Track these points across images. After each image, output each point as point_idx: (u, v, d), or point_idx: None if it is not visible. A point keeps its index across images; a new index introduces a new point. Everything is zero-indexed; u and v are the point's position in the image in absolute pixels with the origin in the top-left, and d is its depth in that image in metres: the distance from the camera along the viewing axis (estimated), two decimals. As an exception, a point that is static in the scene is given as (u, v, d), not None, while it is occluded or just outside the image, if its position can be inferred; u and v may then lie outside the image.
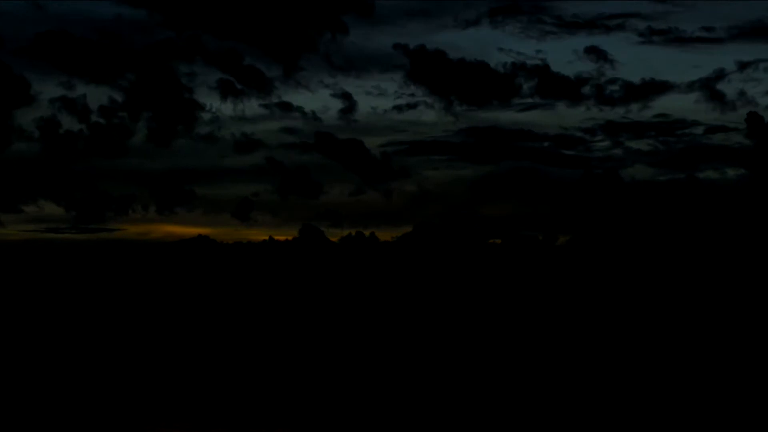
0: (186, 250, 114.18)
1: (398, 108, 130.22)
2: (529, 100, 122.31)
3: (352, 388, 19.73)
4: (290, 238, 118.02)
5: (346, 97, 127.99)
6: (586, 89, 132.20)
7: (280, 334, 31.67)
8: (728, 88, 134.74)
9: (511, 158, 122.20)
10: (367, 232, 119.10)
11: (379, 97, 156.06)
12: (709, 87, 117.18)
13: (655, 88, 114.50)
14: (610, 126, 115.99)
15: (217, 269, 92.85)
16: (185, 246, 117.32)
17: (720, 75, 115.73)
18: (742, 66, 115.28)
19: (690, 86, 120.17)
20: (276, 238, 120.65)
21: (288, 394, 19.27)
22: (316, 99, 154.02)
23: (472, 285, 60.47)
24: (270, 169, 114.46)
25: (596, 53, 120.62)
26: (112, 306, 42.40)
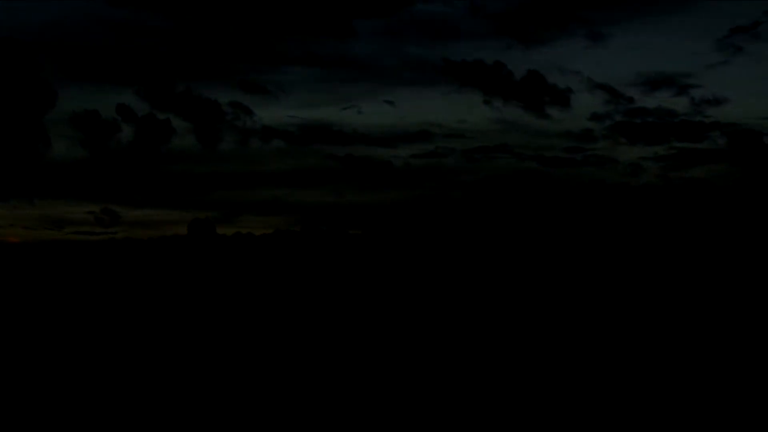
0: (175, 245, 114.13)
1: (446, 116, 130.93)
2: (579, 111, 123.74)
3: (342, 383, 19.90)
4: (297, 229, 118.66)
5: (389, 104, 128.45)
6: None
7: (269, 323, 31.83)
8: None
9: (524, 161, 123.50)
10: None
11: (428, 106, 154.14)
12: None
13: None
14: (628, 128, 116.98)
15: (216, 261, 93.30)
16: (176, 241, 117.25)
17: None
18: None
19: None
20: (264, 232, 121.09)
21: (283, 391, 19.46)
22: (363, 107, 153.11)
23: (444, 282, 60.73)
24: (293, 175, 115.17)
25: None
26: (106, 306, 42.57)
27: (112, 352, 26.11)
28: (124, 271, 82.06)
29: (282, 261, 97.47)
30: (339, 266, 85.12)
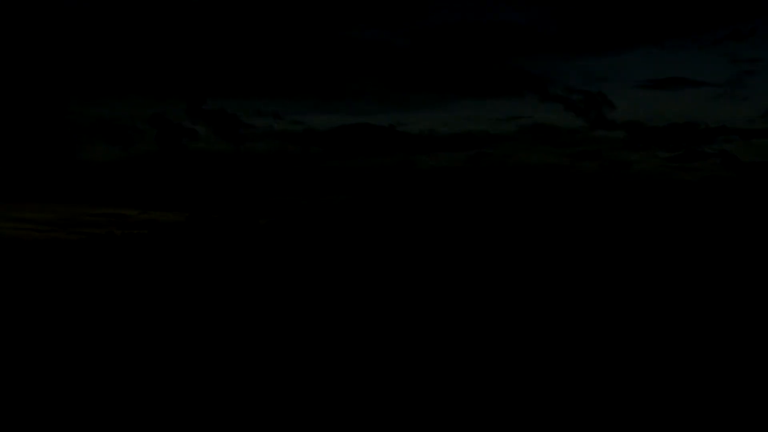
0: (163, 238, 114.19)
1: (490, 123, 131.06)
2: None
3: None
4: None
5: (432, 111, 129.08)
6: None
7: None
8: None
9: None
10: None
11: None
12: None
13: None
14: (641, 131, 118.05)
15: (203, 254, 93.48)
16: (174, 227, 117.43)
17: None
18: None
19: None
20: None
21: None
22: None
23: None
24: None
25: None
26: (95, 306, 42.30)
27: (111, 341, 25.83)
28: (120, 259, 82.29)
29: (282, 251, 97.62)
30: (340, 260, 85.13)
